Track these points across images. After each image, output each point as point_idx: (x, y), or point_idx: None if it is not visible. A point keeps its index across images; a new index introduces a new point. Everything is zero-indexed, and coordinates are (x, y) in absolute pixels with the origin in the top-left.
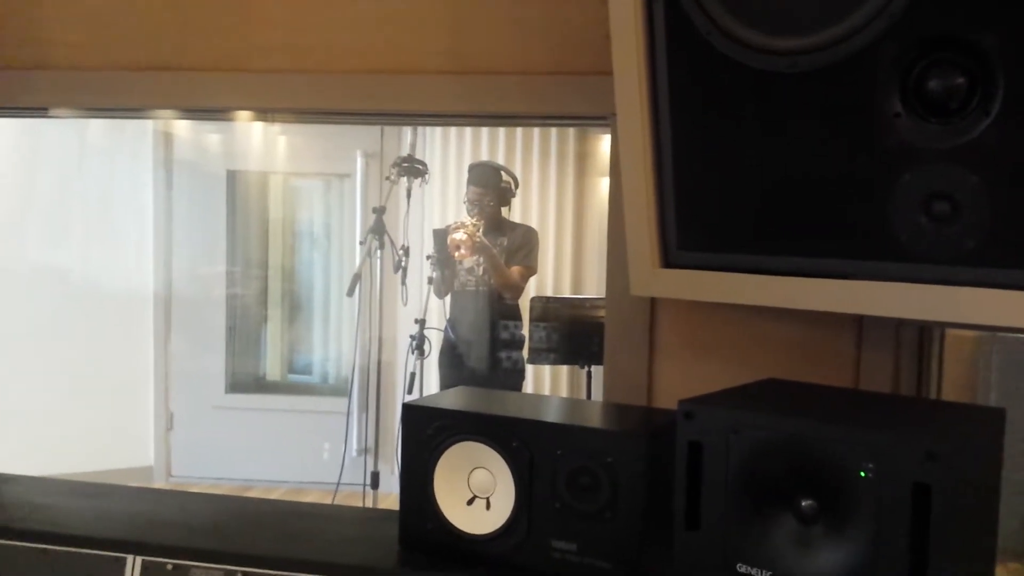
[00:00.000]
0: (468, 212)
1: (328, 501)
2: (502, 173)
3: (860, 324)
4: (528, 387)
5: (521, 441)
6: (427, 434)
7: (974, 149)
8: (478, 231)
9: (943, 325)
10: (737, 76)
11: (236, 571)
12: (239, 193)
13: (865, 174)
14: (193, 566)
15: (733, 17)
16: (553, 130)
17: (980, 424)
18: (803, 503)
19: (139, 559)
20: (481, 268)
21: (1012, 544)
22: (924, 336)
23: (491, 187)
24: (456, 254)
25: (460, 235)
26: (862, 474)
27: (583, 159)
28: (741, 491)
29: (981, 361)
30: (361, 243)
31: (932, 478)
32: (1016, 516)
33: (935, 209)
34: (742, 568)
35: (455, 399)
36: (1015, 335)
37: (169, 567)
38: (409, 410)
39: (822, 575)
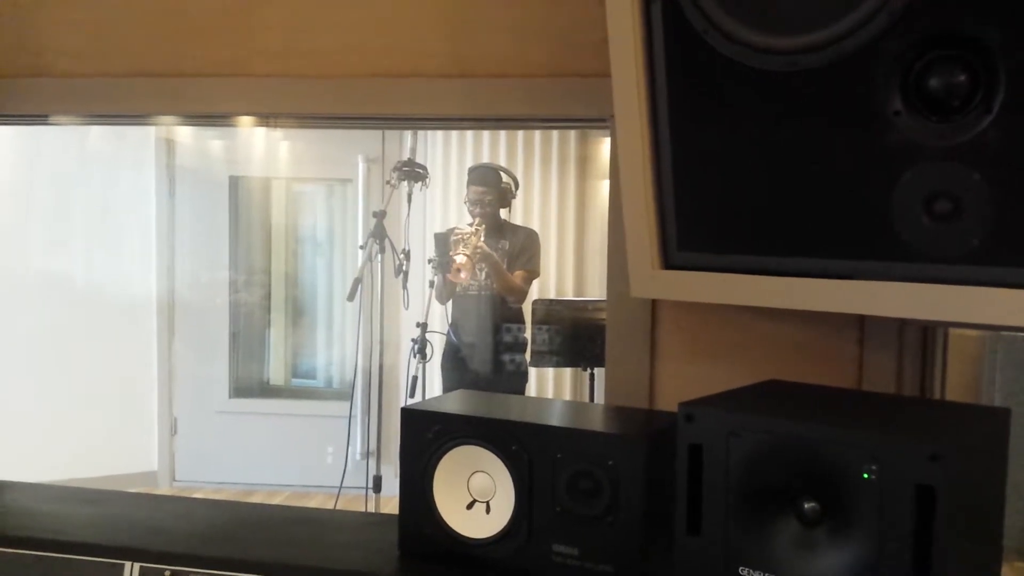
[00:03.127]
0: (469, 212)
1: (331, 505)
2: (502, 174)
3: (863, 324)
4: (531, 390)
5: (521, 445)
6: (426, 438)
7: (976, 147)
8: (480, 239)
9: (947, 325)
10: (736, 76)
11: None
12: (241, 199)
13: (866, 173)
14: (191, 572)
15: (731, 17)
16: (554, 133)
17: (984, 425)
18: (805, 505)
19: (137, 566)
20: (483, 272)
21: (1019, 543)
22: (928, 336)
23: (491, 186)
24: (459, 277)
25: (461, 258)
26: (865, 476)
27: (584, 162)
28: (742, 494)
29: (986, 361)
30: (362, 247)
31: (935, 480)
32: (1023, 515)
33: (937, 208)
34: (744, 572)
35: (455, 403)
36: (1020, 334)
37: (167, 574)
38: (408, 414)
39: None
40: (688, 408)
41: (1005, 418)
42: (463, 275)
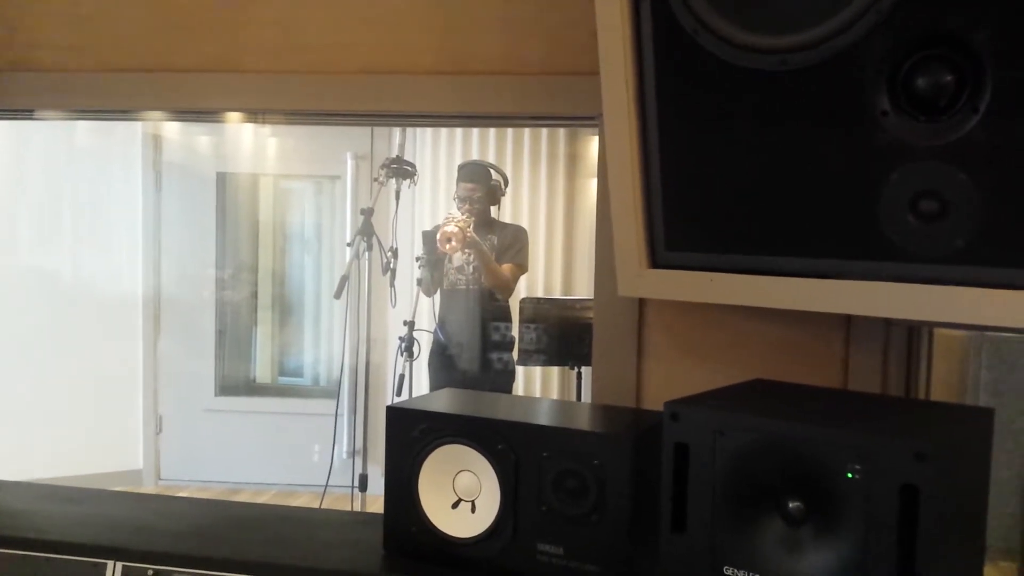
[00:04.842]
0: (458, 208)
1: (317, 504)
2: (492, 171)
3: (849, 324)
4: (519, 388)
5: (507, 443)
6: (412, 437)
7: (962, 147)
8: (468, 226)
9: (932, 325)
10: (725, 75)
11: None
12: (229, 195)
13: (853, 172)
14: (174, 572)
15: (720, 16)
16: (544, 131)
17: (969, 424)
18: (790, 505)
19: (120, 565)
20: (471, 267)
21: (1003, 543)
22: (913, 336)
23: (481, 183)
24: (447, 246)
25: (451, 228)
26: (849, 475)
27: (574, 161)
28: (727, 493)
29: (971, 361)
30: (349, 245)
31: (920, 479)
32: (1007, 514)
33: (923, 207)
34: (729, 571)
35: (440, 401)
36: (1004, 334)
37: (150, 573)
38: (394, 412)
39: None
40: (674, 407)
41: (989, 418)
42: (453, 243)
